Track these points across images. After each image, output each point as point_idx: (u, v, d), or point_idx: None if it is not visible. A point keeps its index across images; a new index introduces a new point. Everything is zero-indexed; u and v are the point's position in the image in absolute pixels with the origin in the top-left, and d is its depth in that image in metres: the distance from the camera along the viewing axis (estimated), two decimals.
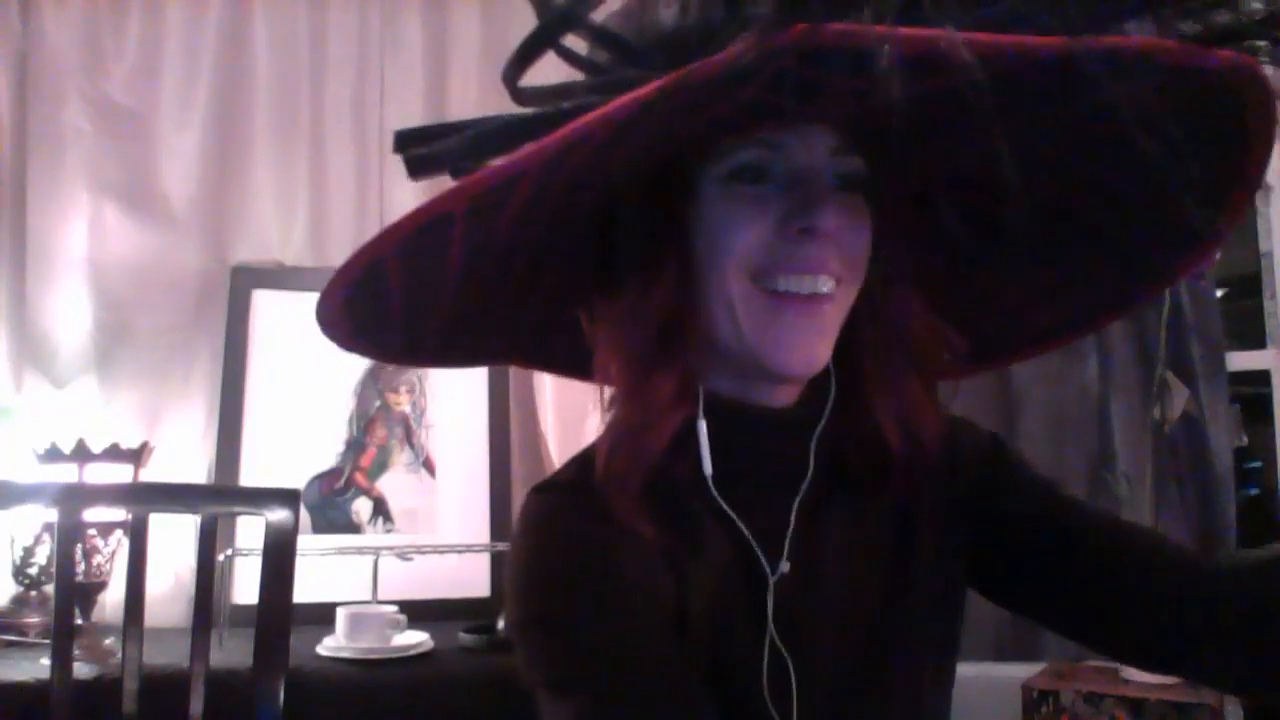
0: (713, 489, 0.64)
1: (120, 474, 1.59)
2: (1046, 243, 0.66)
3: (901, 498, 0.70)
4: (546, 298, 0.67)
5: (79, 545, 1.49)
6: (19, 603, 1.65)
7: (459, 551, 1.95)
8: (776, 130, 0.59)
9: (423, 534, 1.97)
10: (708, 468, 0.64)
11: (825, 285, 0.61)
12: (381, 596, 1.72)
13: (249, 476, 1.87)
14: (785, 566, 0.65)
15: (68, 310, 1.88)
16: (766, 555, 0.65)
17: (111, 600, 1.61)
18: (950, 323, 0.68)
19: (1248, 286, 2.05)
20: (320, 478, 1.95)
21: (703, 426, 0.64)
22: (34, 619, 1.60)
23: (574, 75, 0.56)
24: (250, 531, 1.71)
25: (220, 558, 1.39)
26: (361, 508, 1.97)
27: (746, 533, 0.65)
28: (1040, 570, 0.70)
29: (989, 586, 0.73)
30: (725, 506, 0.65)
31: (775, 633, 0.64)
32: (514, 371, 2.09)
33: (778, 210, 0.59)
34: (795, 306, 0.60)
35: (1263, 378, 2.00)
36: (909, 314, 0.66)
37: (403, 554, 1.82)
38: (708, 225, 0.60)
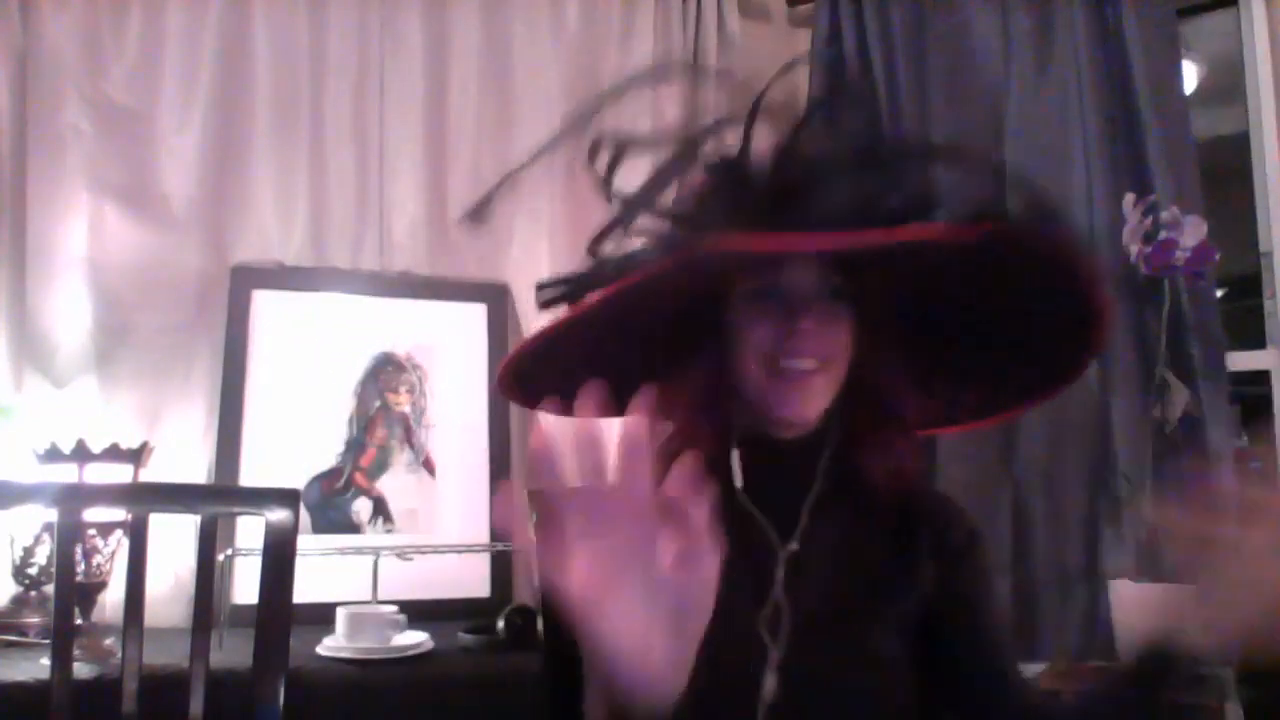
0: (741, 495, 0.91)
1: (120, 474, 1.58)
2: (964, 344, 0.95)
3: (895, 517, 0.94)
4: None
5: (79, 545, 1.49)
6: (19, 603, 1.65)
7: (459, 551, 1.95)
8: (780, 262, 0.87)
9: (423, 534, 1.97)
10: (739, 481, 0.91)
11: (810, 365, 0.88)
12: (381, 596, 1.72)
13: (249, 476, 1.87)
14: (794, 545, 0.91)
15: (68, 310, 1.88)
16: (780, 540, 0.91)
17: (111, 600, 1.60)
18: (920, 394, 0.95)
19: (1248, 286, 2.05)
20: (320, 478, 1.95)
21: (735, 453, 0.92)
22: (34, 619, 1.60)
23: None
24: (250, 531, 1.71)
25: (220, 558, 1.39)
26: (361, 508, 1.97)
27: (762, 519, 0.92)
28: (929, 670, 0.92)
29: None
30: (749, 505, 0.92)
31: (781, 592, 0.89)
32: None
33: (778, 316, 0.87)
34: (790, 380, 0.88)
35: (1263, 378, 2.00)
36: (887, 382, 0.92)
37: (403, 554, 1.82)
38: (736, 326, 0.90)
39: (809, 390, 0.89)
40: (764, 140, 0.85)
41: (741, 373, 0.90)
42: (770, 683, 0.86)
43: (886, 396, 0.93)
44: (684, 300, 0.90)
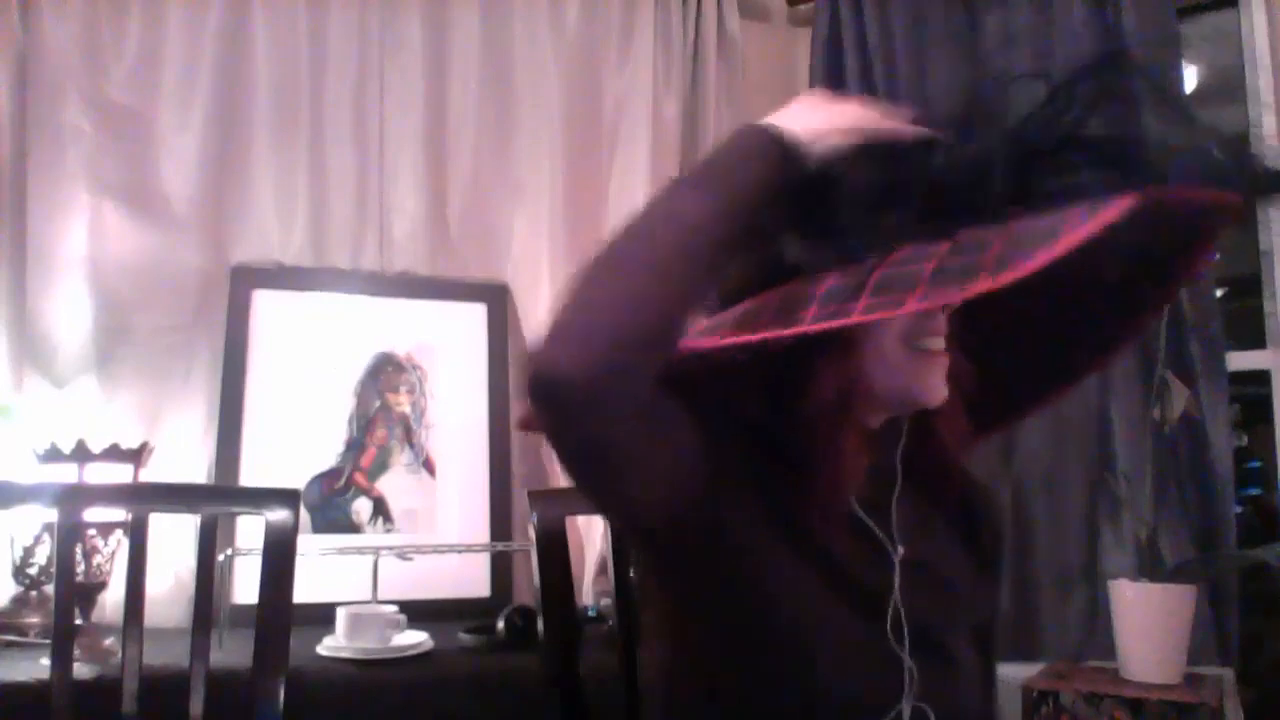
0: (854, 504, 0.88)
1: (120, 474, 1.58)
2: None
3: (963, 506, 0.96)
4: None
5: (79, 545, 1.49)
6: (19, 603, 1.65)
7: (459, 551, 1.95)
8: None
9: (423, 534, 1.97)
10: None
11: (942, 344, 0.86)
12: (381, 596, 1.72)
13: (249, 476, 1.87)
14: (902, 550, 0.88)
15: (68, 310, 1.88)
16: (891, 543, 0.88)
17: (111, 600, 1.60)
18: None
19: (1248, 286, 2.05)
20: (320, 478, 1.95)
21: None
22: (34, 619, 1.60)
23: None
24: (250, 531, 1.71)
25: (220, 558, 1.39)
26: (361, 508, 1.97)
27: (874, 525, 0.88)
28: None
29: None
30: (859, 510, 0.88)
31: (899, 599, 0.85)
32: (514, 372, 2.10)
33: None
34: (931, 359, 0.86)
35: (1263, 378, 2.00)
36: (961, 374, 0.90)
37: (403, 554, 1.82)
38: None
39: (943, 369, 0.87)
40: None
41: (879, 359, 0.85)
42: (909, 702, 0.83)
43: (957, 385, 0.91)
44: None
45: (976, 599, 0.96)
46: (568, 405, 0.68)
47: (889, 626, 0.84)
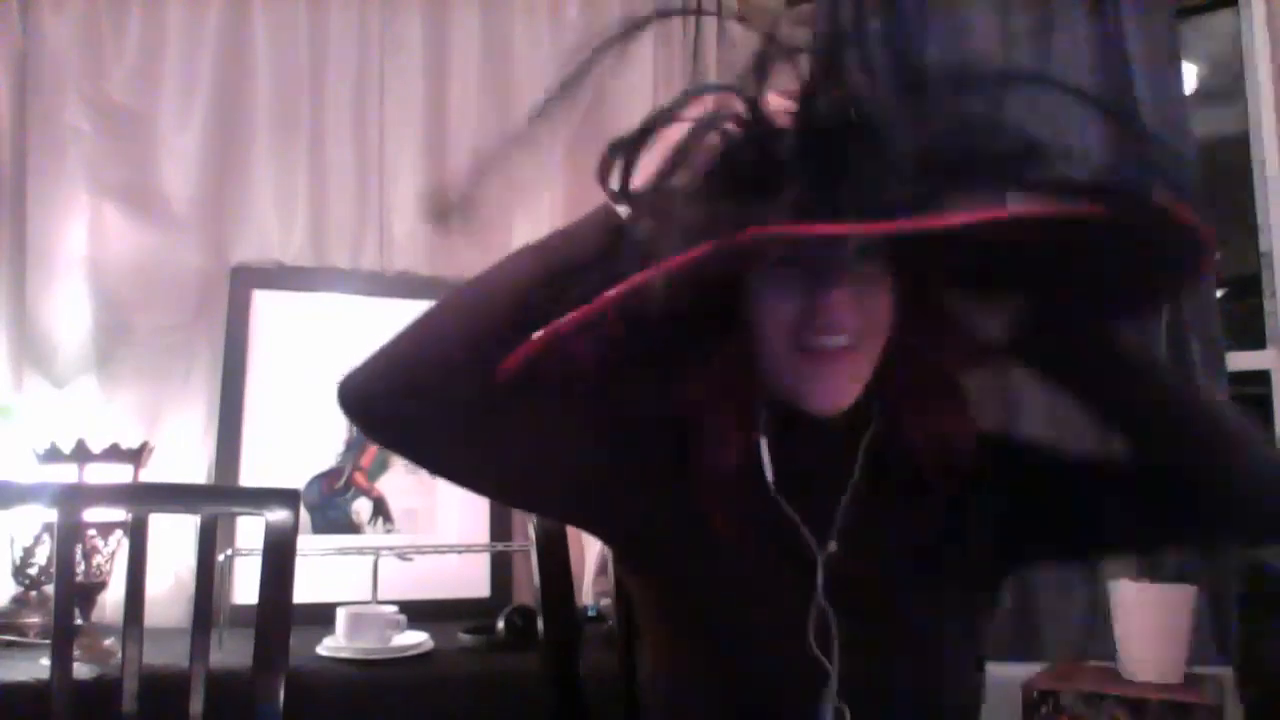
0: (771, 489, 0.83)
1: (120, 474, 1.58)
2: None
3: (948, 494, 0.84)
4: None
5: (79, 545, 1.49)
6: (19, 603, 1.65)
7: (459, 551, 1.95)
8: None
9: (423, 534, 1.97)
10: (769, 474, 0.83)
11: (841, 341, 0.77)
12: (381, 596, 1.72)
13: (249, 476, 1.87)
14: (832, 546, 0.82)
15: (68, 310, 1.88)
16: (818, 539, 0.82)
17: (111, 600, 1.61)
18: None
19: (1248, 286, 2.04)
20: (320, 478, 1.95)
21: (764, 442, 0.84)
22: (34, 619, 1.60)
23: None
24: (250, 531, 1.71)
25: (220, 558, 1.39)
26: (361, 508, 1.97)
27: (796, 519, 0.83)
28: (1055, 507, 0.87)
29: (1032, 539, 0.89)
30: (783, 502, 0.83)
31: (824, 598, 0.80)
32: None
33: (804, 285, 0.76)
34: (819, 359, 0.78)
35: (1263, 378, 2.00)
36: (935, 345, 0.83)
37: (403, 554, 1.82)
38: (758, 300, 0.79)
39: (841, 370, 0.78)
40: (782, 96, 0.73)
41: (766, 352, 0.79)
42: (829, 702, 0.78)
43: (935, 360, 0.83)
44: (706, 285, 0.77)
45: (935, 602, 0.84)
46: (351, 416, 0.81)
47: (811, 626, 0.79)
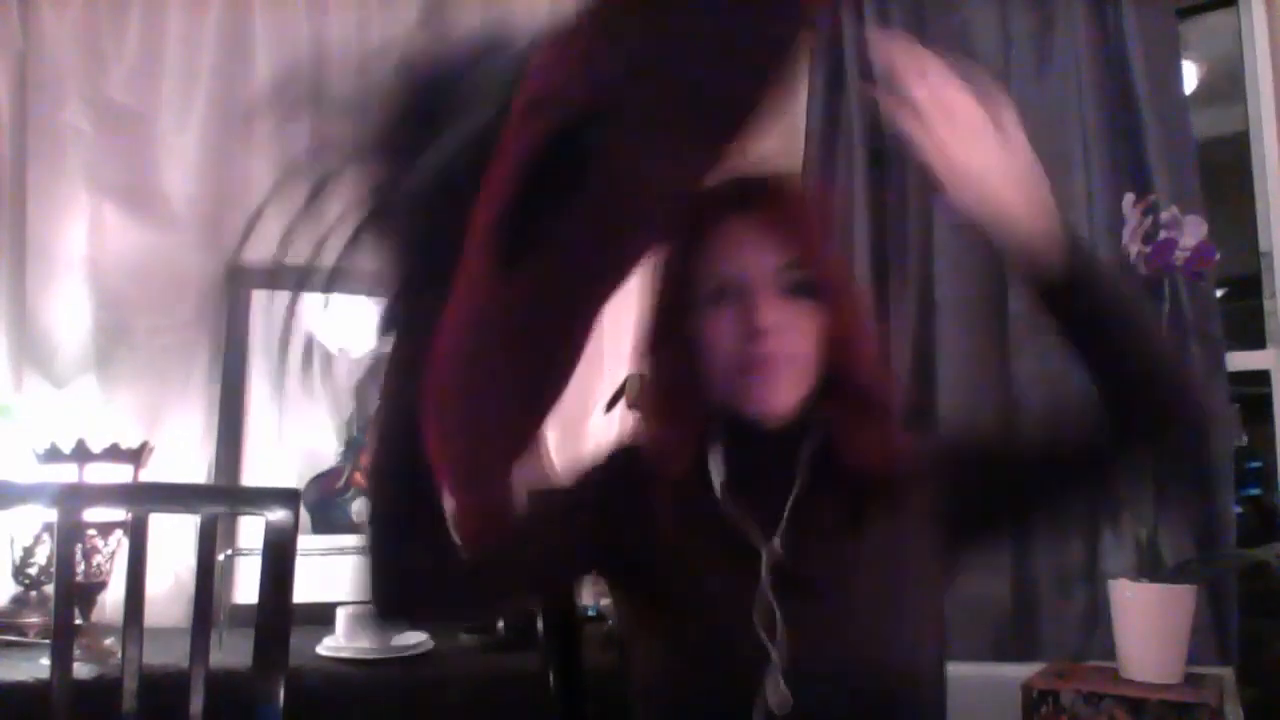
0: (718, 493, 0.91)
1: (120, 474, 1.58)
2: None
3: (888, 496, 0.91)
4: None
5: (79, 545, 1.49)
6: (19, 603, 1.65)
7: None
8: (734, 258, 0.89)
9: None
10: (717, 482, 0.91)
11: (771, 347, 0.87)
12: None
13: (249, 476, 1.87)
14: (776, 544, 0.88)
15: (68, 310, 1.88)
16: (763, 539, 0.88)
17: (111, 600, 1.60)
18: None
19: (1248, 286, 2.04)
20: (320, 478, 1.95)
21: (717, 452, 0.92)
22: (34, 619, 1.60)
23: None
24: (250, 531, 1.71)
25: (220, 558, 1.39)
26: (361, 508, 1.97)
27: (741, 517, 0.89)
28: (988, 487, 0.95)
29: (978, 526, 0.97)
30: (730, 504, 0.90)
31: (768, 589, 0.86)
32: None
33: (738, 314, 0.87)
34: (758, 373, 0.87)
35: (1263, 378, 2.00)
36: (868, 368, 0.92)
37: None
38: (699, 329, 0.89)
39: (775, 377, 0.88)
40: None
41: (711, 371, 0.89)
42: (774, 690, 0.83)
43: (869, 382, 0.92)
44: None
45: (877, 593, 0.89)
46: (393, 627, 1.05)
47: (756, 614, 0.85)
